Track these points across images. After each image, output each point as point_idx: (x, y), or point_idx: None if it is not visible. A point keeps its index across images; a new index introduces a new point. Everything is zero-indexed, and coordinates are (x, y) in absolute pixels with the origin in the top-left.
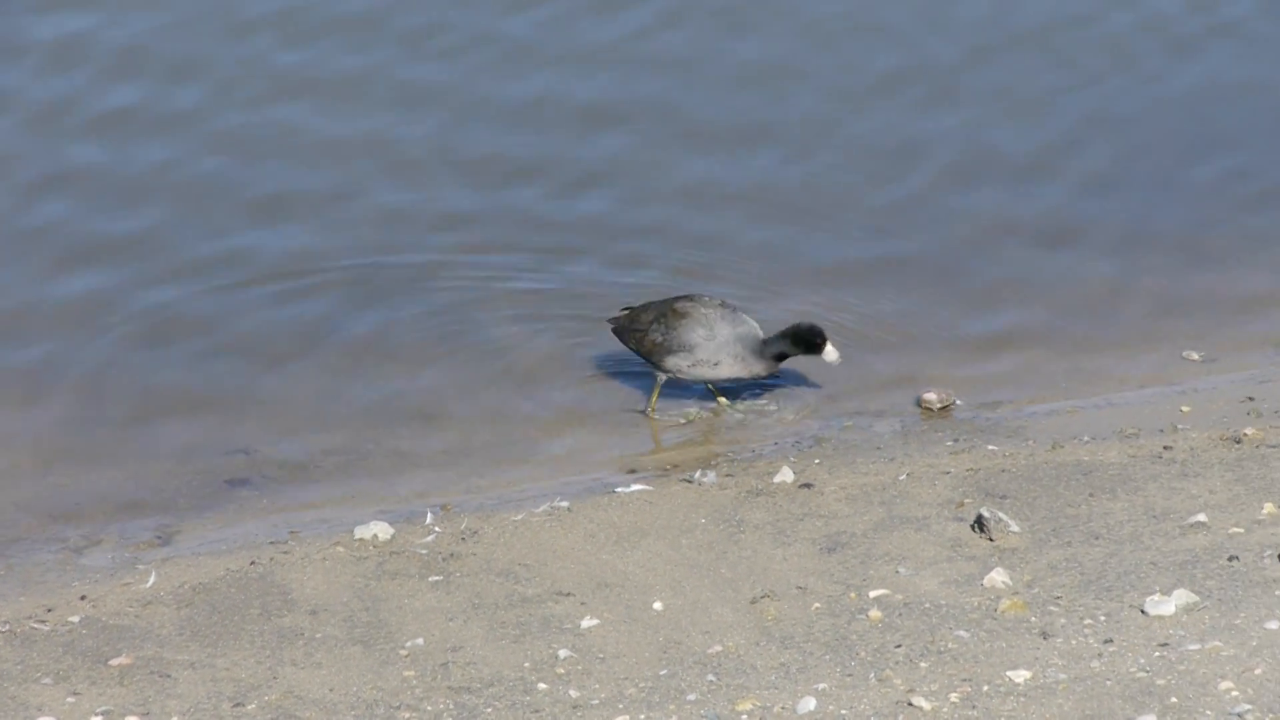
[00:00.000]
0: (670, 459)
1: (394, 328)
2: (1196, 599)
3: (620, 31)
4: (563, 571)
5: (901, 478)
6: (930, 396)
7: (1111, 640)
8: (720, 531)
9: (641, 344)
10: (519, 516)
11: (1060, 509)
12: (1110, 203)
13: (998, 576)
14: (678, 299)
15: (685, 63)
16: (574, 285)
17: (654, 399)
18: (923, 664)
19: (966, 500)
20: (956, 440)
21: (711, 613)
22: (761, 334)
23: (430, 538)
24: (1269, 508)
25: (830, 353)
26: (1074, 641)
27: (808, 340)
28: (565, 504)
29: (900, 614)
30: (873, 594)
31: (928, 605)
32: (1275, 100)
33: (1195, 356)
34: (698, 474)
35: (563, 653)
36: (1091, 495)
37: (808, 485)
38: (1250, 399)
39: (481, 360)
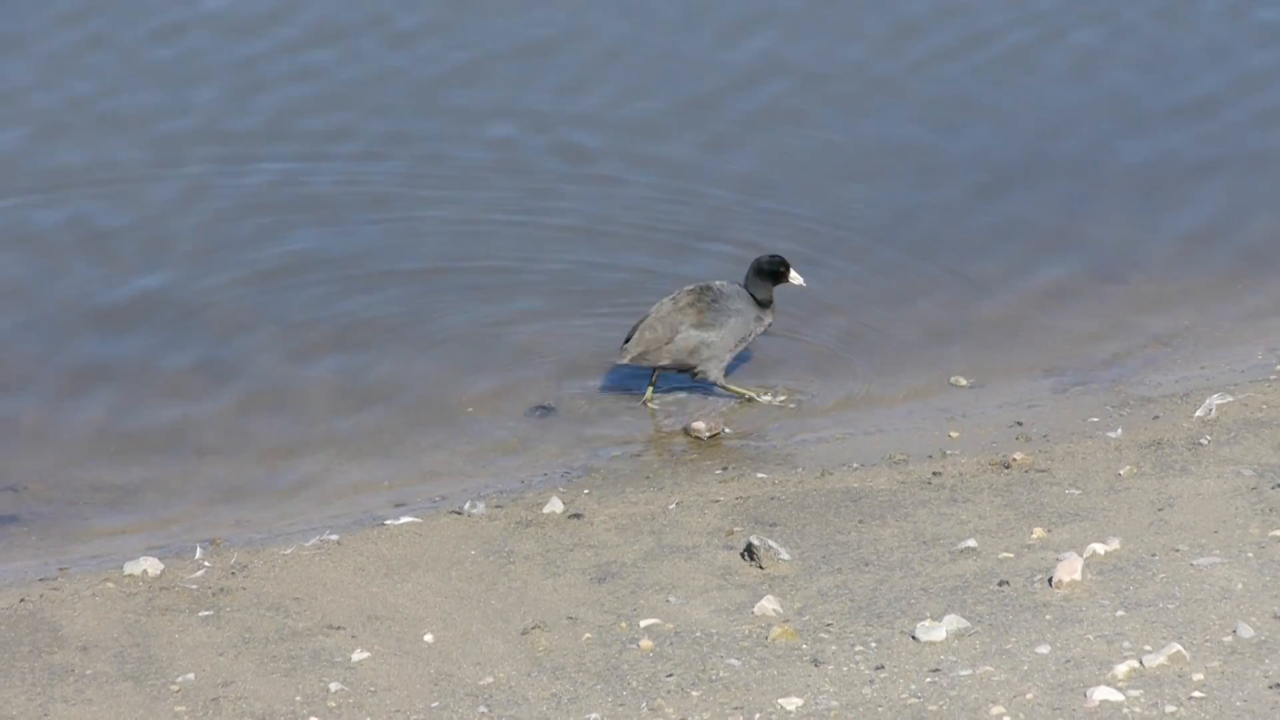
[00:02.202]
0: (440, 490)
1: (163, 360)
2: (967, 624)
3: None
4: (333, 605)
5: (671, 507)
6: (699, 425)
7: (883, 667)
8: (490, 563)
9: (679, 356)
10: (289, 550)
11: (830, 536)
12: (877, 228)
13: (768, 604)
14: (678, 301)
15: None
16: (347, 313)
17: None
18: (694, 693)
19: (736, 528)
20: (726, 469)
21: (483, 644)
22: (739, 287)
23: (200, 573)
24: (1038, 532)
25: (795, 277)
26: (845, 668)
27: (772, 271)
28: (335, 537)
29: (671, 643)
30: (644, 623)
31: (699, 634)
32: (1031, 126)
33: (964, 382)
34: (467, 505)
35: (334, 686)
36: (861, 522)
37: (577, 515)
38: (1019, 424)
39: (251, 393)
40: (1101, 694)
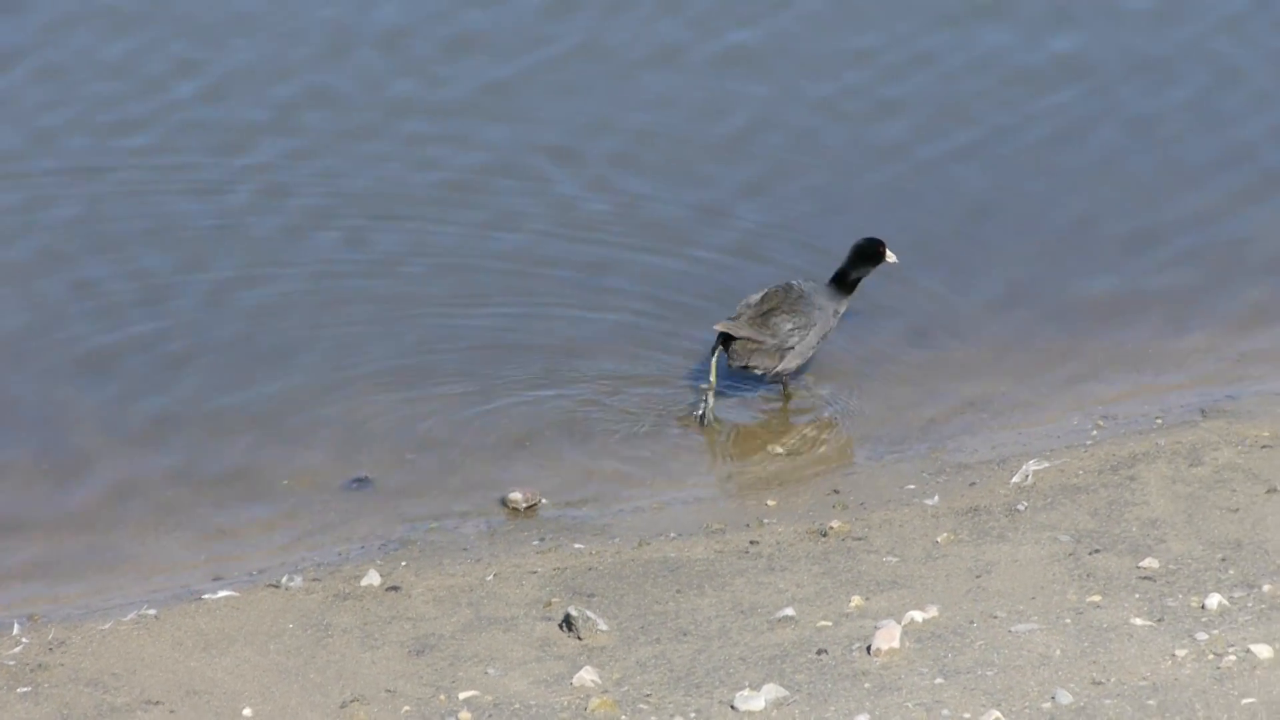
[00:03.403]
0: (257, 563)
1: None
2: (786, 693)
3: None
4: (152, 680)
5: (489, 578)
6: (516, 496)
7: None
8: (308, 636)
9: (780, 338)
10: (107, 625)
11: (648, 606)
12: (704, 296)
13: (587, 675)
14: (768, 298)
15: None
16: (164, 385)
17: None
18: None
19: (554, 599)
20: (543, 539)
21: (301, 718)
22: (815, 283)
23: (18, 649)
24: (856, 600)
25: (890, 255)
26: None
27: (872, 253)
28: (153, 612)
29: (490, 715)
30: (462, 695)
31: (517, 706)
32: (840, 194)
33: (780, 450)
34: (284, 578)
35: None
36: (679, 591)
37: (395, 588)
38: (836, 492)
39: (67, 466)
40: None
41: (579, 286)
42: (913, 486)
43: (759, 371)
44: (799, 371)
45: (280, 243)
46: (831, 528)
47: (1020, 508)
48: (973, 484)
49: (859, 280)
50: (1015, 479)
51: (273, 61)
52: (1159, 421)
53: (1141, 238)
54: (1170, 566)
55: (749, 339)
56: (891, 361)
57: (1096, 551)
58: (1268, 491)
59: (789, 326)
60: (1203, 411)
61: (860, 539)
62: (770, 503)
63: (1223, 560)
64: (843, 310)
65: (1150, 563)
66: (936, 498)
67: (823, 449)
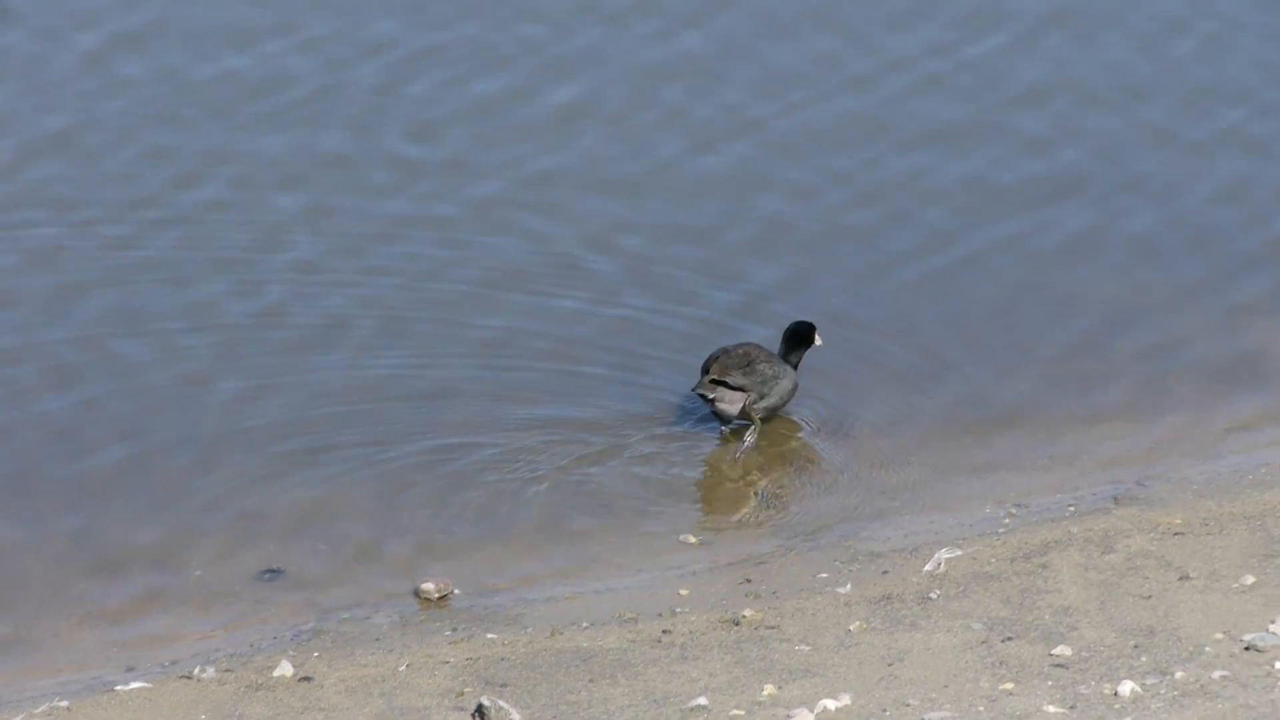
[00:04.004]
0: (170, 654)
1: None
2: None
3: None
4: None
5: (401, 668)
6: (428, 586)
7: None
8: None
9: (763, 380)
10: (18, 718)
11: (561, 696)
12: (593, 391)
13: None
14: (738, 353)
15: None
16: (70, 473)
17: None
18: None
19: (467, 689)
20: (455, 629)
21: None
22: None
23: None
24: (769, 689)
25: (818, 339)
26: None
27: (805, 335)
28: (65, 704)
29: None
30: None
31: None
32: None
33: (693, 540)
34: (197, 669)
35: None
36: (592, 681)
37: (307, 679)
38: (748, 580)
39: None
40: None
41: (489, 370)
42: (825, 575)
43: (733, 411)
44: (768, 418)
45: (190, 324)
46: (744, 616)
47: (933, 596)
48: (885, 572)
49: (797, 361)
50: (928, 567)
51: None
52: (1071, 509)
53: (1052, 323)
54: (1083, 654)
55: (734, 387)
56: (804, 450)
57: (1009, 639)
58: (1180, 578)
59: (770, 373)
60: (1115, 499)
61: (773, 628)
62: (683, 592)
63: (1135, 647)
64: (796, 385)
65: (1063, 650)
66: (849, 586)
67: (735, 538)
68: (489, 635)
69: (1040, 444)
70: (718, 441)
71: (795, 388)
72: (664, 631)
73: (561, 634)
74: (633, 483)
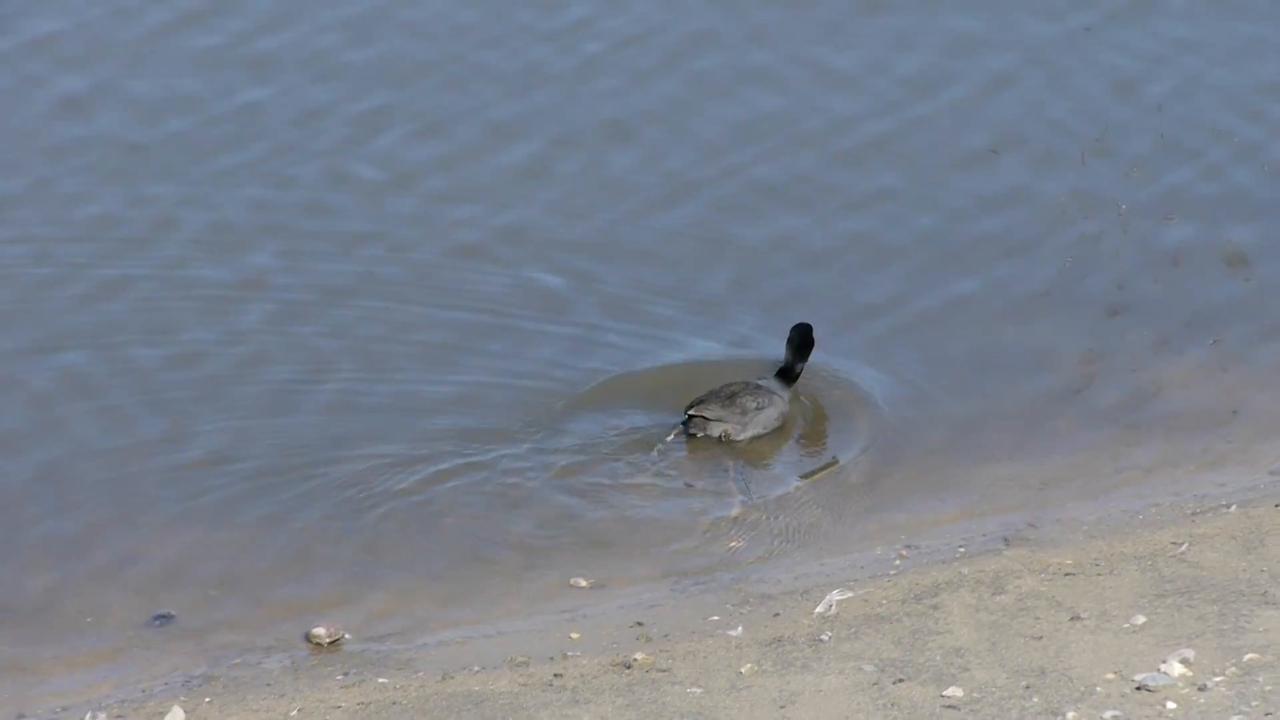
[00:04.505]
0: (61, 702)
1: None
2: None
3: None
4: None
5: (293, 714)
6: (319, 630)
7: None
8: None
9: (736, 404)
10: None
11: None
12: (486, 436)
13: None
14: (733, 386)
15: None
16: None
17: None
18: None
19: None
20: (347, 674)
21: None
22: (768, 378)
23: None
24: None
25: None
26: None
27: (810, 338)
28: None
29: None
30: None
31: None
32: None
33: (584, 583)
34: (88, 716)
35: None
36: None
37: None
38: (640, 624)
39: None
40: None
41: (377, 414)
42: (716, 618)
43: (715, 434)
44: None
45: (74, 374)
46: (636, 660)
47: (824, 638)
48: (776, 614)
49: (800, 371)
50: (819, 609)
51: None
52: (962, 550)
53: (943, 366)
54: (974, 695)
55: (714, 419)
56: (696, 493)
57: (900, 681)
58: (1071, 619)
59: (753, 405)
60: (1005, 540)
61: (664, 670)
62: (574, 635)
63: (1026, 688)
64: (788, 399)
65: (954, 691)
66: (741, 628)
67: (627, 580)
68: (380, 679)
69: (930, 485)
70: (609, 484)
71: (783, 414)
72: (555, 675)
73: (453, 678)
74: (525, 526)
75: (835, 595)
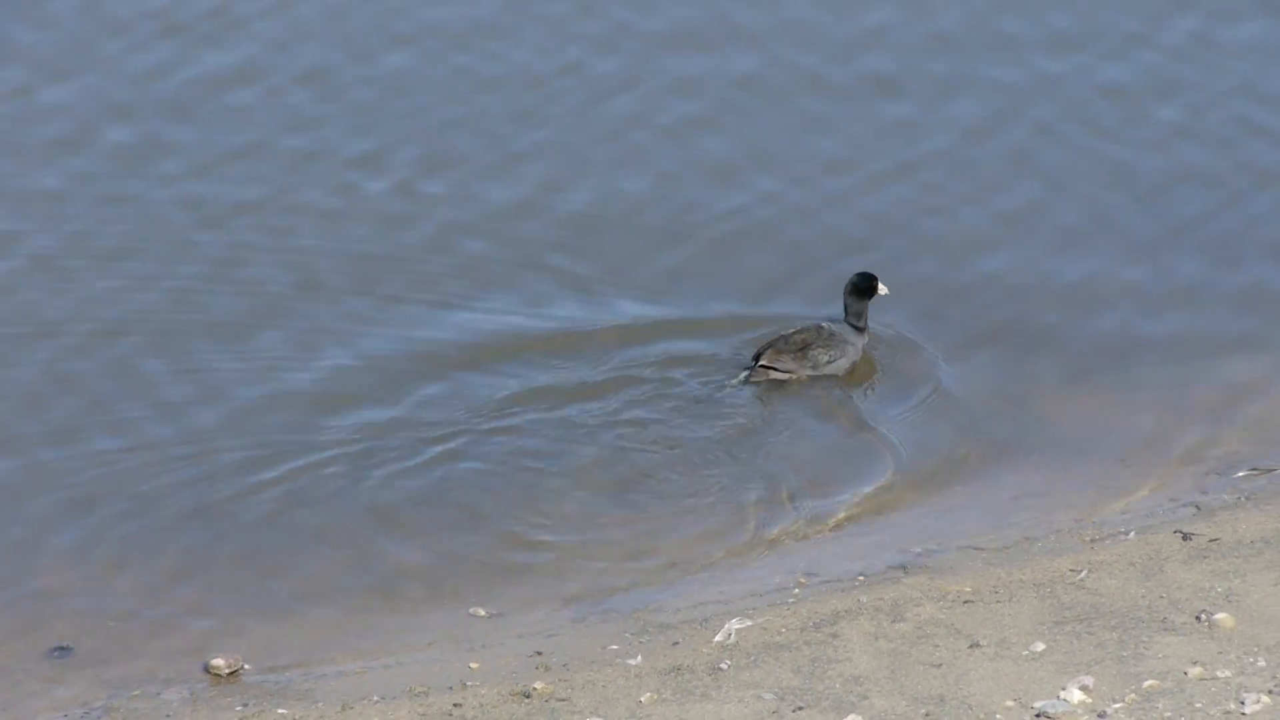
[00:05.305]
0: None
1: None
2: None
3: None
4: None
5: None
6: (218, 661)
7: None
8: None
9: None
10: None
11: None
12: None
13: None
14: (804, 334)
15: None
16: None
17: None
18: None
19: None
20: (246, 705)
21: None
22: (841, 322)
23: None
24: None
25: (883, 288)
26: None
27: (867, 288)
28: None
29: None
30: None
31: None
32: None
33: (483, 612)
34: None
35: None
36: None
37: None
38: (539, 653)
39: None
40: None
41: (271, 444)
42: (616, 646)
43: (781, 379)
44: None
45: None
46: (535, 689)
47: (723, 666)
48: (676, 643)
49: (864, 315)
50: (718, 638)
51: None
52: (861, 578)
53: (841, 396)
54: None
55: (784, 373)
56: (592, 521)
57: (800, 709)
58: (970, 646)
59: (825, 359)
60: (904, 567)
61: (564, 700)
62: (473, 665)
63: (926, 715)
64: (863, 343)
65: (854, 719)
66: (639, 657)
67: (525, 609)
68: (280, 711)
69: (829, 513)
70: (508, 513)
71: (854, 361)
72: (455, 705)
73: (352, 709)
74: (422, 556)
75: (734, 624)
